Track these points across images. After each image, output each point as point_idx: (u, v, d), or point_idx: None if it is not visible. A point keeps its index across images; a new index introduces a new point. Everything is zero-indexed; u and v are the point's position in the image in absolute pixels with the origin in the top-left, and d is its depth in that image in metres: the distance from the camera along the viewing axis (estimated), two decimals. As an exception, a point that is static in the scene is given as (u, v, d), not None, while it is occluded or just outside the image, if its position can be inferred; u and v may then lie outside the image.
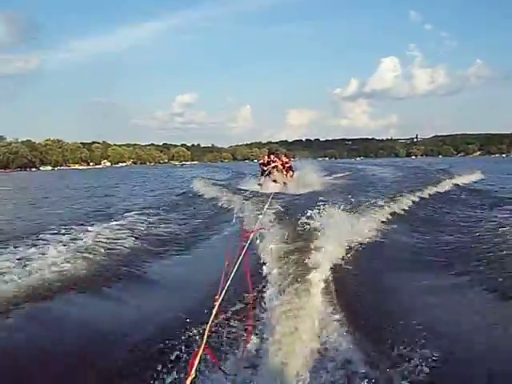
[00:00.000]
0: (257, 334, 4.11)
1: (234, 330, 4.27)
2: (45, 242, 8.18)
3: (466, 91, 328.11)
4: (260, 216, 8.70)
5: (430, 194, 15.18)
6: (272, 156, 20.30)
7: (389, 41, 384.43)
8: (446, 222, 10.52)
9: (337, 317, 4.36)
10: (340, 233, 6.95)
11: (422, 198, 13.96)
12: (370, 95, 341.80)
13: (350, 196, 13.48)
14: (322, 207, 8.42)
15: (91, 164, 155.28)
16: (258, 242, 7.04)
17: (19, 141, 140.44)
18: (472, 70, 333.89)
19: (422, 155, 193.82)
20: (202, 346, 2.80)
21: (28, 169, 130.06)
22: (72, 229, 9.50)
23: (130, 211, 13.23)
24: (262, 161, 20.90)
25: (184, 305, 5.22)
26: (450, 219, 10.95)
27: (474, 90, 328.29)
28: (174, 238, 9.61)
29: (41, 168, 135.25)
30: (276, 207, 10.46)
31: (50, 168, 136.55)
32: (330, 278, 5.33)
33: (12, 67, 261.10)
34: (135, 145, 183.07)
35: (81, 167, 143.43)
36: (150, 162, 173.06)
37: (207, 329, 3.11)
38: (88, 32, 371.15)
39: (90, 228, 9.47)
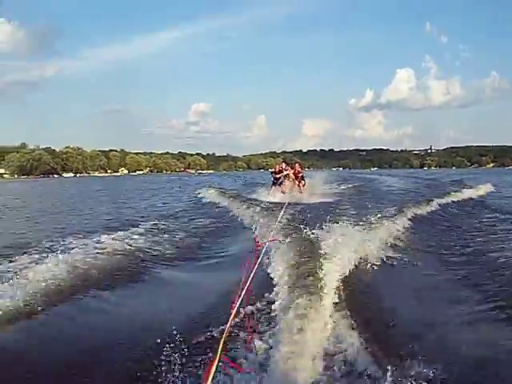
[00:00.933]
0: (270, 342, 4.14)
1: (249, 337, 4.26)
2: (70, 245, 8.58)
3: (480, 103, 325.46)
4: (274, 226, 8.66)
5: (440, 205, 15.15)
6: (284, 165, 20.33)
7: (404, 52, 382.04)
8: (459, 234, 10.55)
9: (348, 329, 4.40)
10: (349, 245, 6.93)
11: (432, 211, 13.94)
12: (385, 106, 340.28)
13: (359, 207, 13.57)
14: (332, 219, 8.56)
15: (109, 171, 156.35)
16: (271, 252, 7.04)
17: (41, 148, 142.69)
18: (487, 82, 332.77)
19: (435, 166, 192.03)
20: (219, 352, 2.78)
21: (51, 175, 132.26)
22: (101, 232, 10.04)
23: (157, 219, 13.52)
24: (274, 170, 20.95)
25: (200, 311, 5.29)
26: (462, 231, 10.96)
27: (488, 102, 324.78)
28: (190, 246, 9.79)
29: (63, 175, 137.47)
30: (289, 217, 10.45)
31: (72, 175, 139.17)
32: (341, 289, 5.36)
33: (29, 75, 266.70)
34: (151, 153, 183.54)
35: (100, 174, 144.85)
36: (167, 171, 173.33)
37: (224, 336, 3.10)
38: (105, 40, 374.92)
39: (112, 234, 9.80)
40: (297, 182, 19.73)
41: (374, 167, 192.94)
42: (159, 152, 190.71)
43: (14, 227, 14.07)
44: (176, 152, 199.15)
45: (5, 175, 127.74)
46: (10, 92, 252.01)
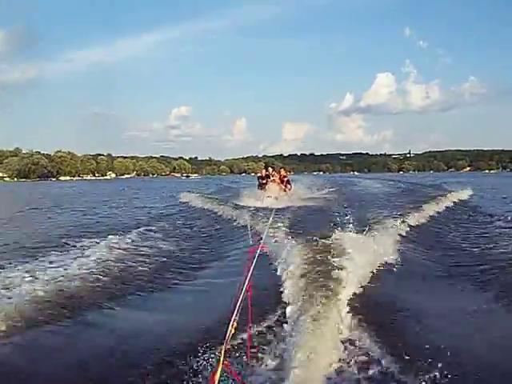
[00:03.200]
0: (271, 351, 4.04)
1: (249, 347, 4.07)
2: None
3: (459, 107, 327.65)
4: (264, 232, 8.27)
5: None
6: (270, 170, 20.24)
7: (385, 57, 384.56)
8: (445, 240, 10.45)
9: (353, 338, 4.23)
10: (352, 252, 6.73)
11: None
12: (365, 110, 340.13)
13: (344, 209, 13.52)
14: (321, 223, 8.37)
15: (96, 175, 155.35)
16: (263, 259, 6.68)
17: (34, 152, 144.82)
18: (466, 87, 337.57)
19: (413, 170, 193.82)
20: (221, 361, 2.65)
21: (48, 179, 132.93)
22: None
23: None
24: (259, 174, 20.83)
25: (198, 321, 5.11)
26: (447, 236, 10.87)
27: (467, 107, 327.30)
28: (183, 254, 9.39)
29: (60, 178, 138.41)
30: (278, 223, 10.30)
31: (69, 178, 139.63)
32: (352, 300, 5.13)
33: (10, 77, 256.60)
34: (133, 157, 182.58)
35: (92, 178, 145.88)
36: (153, 174, 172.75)
37: (224, 346, 2.91)
38: (86, 43, 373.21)
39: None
40: (283, 187, 19.67)
41: (353, 171, 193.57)
42: (142, 156, 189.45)
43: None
44: (158, 156, 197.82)
45: (5, 178, 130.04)
46: None
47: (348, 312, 4.65)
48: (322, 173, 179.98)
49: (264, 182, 19.67)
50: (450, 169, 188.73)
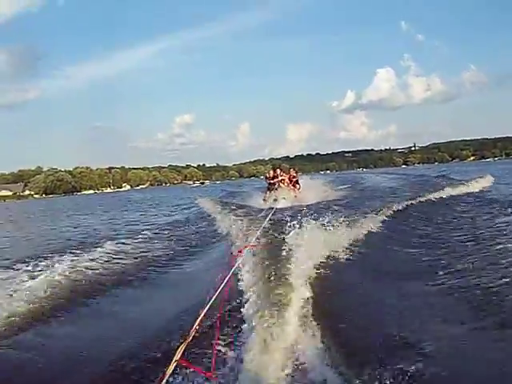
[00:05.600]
0: (233, 348, 4.03)
1: (213, 343, 4.00)
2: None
3: (461, 97, 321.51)
4: (258, 232, 8.03)
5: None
6: (278, 170, 19.45)
7: (383, 52, 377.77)
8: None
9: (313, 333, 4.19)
10: (327, 246, 7.12)
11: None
12: (367, 106, 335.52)
13: (350, 207, 12.94)
14: (321, 221, 8.37)
15: (112, 187, 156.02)
16: (250, 258, 6.39)
17: (51, 168, 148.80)
18: (466, 76, 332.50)
19: (418, 163, 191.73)
20: (177, 355, 2.63)
21: (72, 193, 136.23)
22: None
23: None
24: (268, 175, 19.99)
25: (167, 316, 5.40)
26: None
27: (468, 96, 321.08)
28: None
29: (84, 192, 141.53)
30: (273, 223, 9.62)
31: (92, 192, 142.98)
32: (310, 293, 5.00)
33: (11, 97, 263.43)
34: (145, 167, 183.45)
35: (111, 191, 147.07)
36: (166, 183, 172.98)
37: (186, 341, 2.89)
38: (84, 58, 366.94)
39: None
40: (291, 187, 18.89)
41: (359, 168, 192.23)
42: (150, 166, 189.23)
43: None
44: (166, 165, 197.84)
45: (35, 195, 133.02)
46: None
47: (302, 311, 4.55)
48: (328, 171, 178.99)
49: (272, 182, 18.87)
50: (454, 159, 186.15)
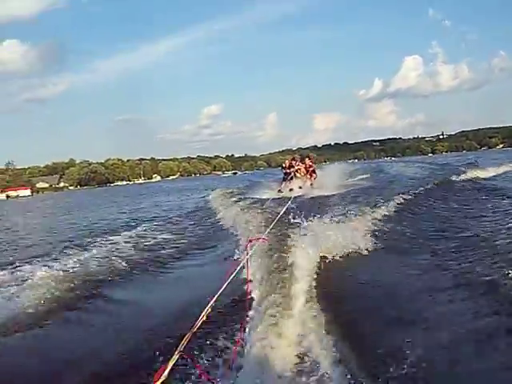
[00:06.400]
0: (243, 340, 3.94)
1: (220, 335, 4.14)
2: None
3: (489, 84, 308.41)
4: (270, 225, 7.70)
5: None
6: (294, 161, 19.29)
7: (411, 40, 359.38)
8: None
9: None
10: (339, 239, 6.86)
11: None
12: (395, 95, 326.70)
13: (364, 196, 12.74)
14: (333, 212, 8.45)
15: (143, 178, 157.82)
16: (261, 249, 6.25)
17: (84, 160, 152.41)
18: (495, 62, 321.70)
19: (446, 151, 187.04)
20: (181, 346, 2.58)
21: (106, 185, 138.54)
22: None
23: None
24: (284, 165, 19.87)
25: (177, 306, 5.44)
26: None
27: (497, 83, 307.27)
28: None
29: (118, 183, 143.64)
30: (285, 215, 9.18)
31: (125, 183, 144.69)
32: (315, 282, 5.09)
33: (42, 92, 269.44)
34: (175, 159, 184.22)
35: (143, 181, 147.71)
36: (195, 174, 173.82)
37: (191, 332, 2.81)
38: (111, 51, 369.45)
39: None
40: (308, 176, 18.71)
41: (387, 156, 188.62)
42: (179, 157, 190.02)
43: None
44: (195, 156, 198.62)
45: (70, 187, 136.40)
46: (25, 110, 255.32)
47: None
48: (356, 160, 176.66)
49: (288, 172, 18.77)
50: (483, 147, 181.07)
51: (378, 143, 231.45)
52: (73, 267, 7.26)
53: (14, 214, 36.27)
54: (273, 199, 13.86)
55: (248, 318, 4.28)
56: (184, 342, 2.63)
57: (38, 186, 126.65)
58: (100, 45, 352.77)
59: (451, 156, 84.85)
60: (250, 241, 5.86)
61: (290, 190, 17.61)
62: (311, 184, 18.41)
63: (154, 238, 10.71)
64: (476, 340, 3.72)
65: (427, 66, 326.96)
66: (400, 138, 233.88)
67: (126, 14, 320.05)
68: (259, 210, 11.48)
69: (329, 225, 7.62)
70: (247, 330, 4.09)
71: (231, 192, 19.79)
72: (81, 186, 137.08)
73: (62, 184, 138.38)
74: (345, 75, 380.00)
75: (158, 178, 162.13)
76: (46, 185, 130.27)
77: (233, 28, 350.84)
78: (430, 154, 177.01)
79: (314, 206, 11.67)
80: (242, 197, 16.54)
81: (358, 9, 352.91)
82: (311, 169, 19.10)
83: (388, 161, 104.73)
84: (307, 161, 19.38)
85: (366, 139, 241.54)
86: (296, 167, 18.78)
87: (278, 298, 4.48)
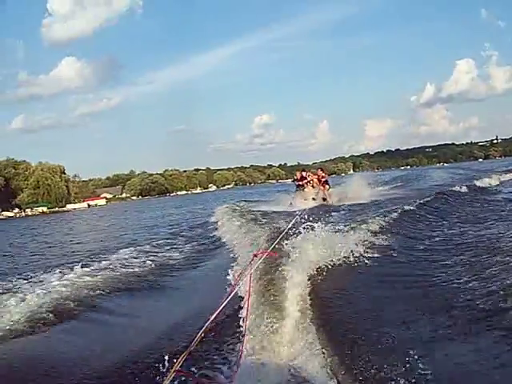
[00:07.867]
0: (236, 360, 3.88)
1: (216, 353, 4.13)
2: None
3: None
4: (279, 237, 7.38)
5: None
6: (305, 172, 19.00)
7: (462, 43, 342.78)
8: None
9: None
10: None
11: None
12: (448, 100, 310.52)
13: (377, 209, 12.23)
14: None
15: (199, 188, 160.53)
16: (265, 263, 5.91)
17: (145, 172, 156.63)
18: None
19: (500, 156, 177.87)
20: (177, 365, 2.58)
21: (165, 194, 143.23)
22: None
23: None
24: (295, 177, 19.54)
25: (177, 320, 5.43)
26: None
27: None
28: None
29: (178, 193, 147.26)
30: (294, 227, 8.55)
31: (184, 192, 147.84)
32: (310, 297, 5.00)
33: (98, 106, 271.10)
34: (230, 168, 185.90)
35: (200, 191, 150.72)
36: (250, 183, 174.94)
37: (188, 350, 2.82)
38: (163, 64, 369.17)
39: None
40: (321, 187, 18.28)
41: (439, 163, 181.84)
42: (233, 167, 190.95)
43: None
44: (248, 165, 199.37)
45: (132, 197, 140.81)
46: (82, 124, 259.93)
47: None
48: (409, 167, 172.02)
49: (301, 184, 18.45)
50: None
51: (430, 149, 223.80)
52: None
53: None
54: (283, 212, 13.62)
55: (246, 337, 4.17)
56: (181, 360, 2.61)
57: (103, 196, 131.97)
58: (153, 57, 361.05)
59: (502, 161, 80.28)
60: (255, 255, 5.70)
61: (305, 199, 17.39)
62: (323, 196, 17.89)
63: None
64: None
65: (480, 69, 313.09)
66: (453, 144, 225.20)
67: (178, 25, 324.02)
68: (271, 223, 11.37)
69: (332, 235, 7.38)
70: (244, 348, 3.99)
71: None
72: (142, 196, 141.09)
73: (124, 195, 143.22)
74: (396, 80, 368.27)
75: (214, 187, 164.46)
76: (110, 195, 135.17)
77: (283, 36, 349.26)
78: (480, 160, 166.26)
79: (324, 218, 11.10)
80: (253, 209, 16.32)
81: (409, 13, 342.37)
82: (324, 180, 18.64)
83: (440, 166, 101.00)
84: (319, 172, 19.04)
85: (419, 145, 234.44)
86: (309, 178, 18.45)
87: (272, 314, 4.40)
